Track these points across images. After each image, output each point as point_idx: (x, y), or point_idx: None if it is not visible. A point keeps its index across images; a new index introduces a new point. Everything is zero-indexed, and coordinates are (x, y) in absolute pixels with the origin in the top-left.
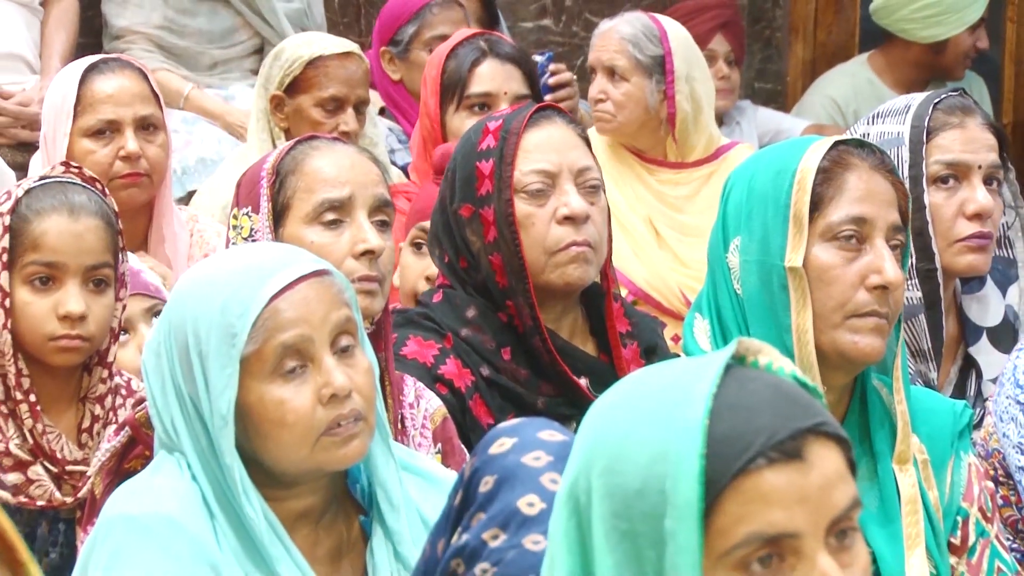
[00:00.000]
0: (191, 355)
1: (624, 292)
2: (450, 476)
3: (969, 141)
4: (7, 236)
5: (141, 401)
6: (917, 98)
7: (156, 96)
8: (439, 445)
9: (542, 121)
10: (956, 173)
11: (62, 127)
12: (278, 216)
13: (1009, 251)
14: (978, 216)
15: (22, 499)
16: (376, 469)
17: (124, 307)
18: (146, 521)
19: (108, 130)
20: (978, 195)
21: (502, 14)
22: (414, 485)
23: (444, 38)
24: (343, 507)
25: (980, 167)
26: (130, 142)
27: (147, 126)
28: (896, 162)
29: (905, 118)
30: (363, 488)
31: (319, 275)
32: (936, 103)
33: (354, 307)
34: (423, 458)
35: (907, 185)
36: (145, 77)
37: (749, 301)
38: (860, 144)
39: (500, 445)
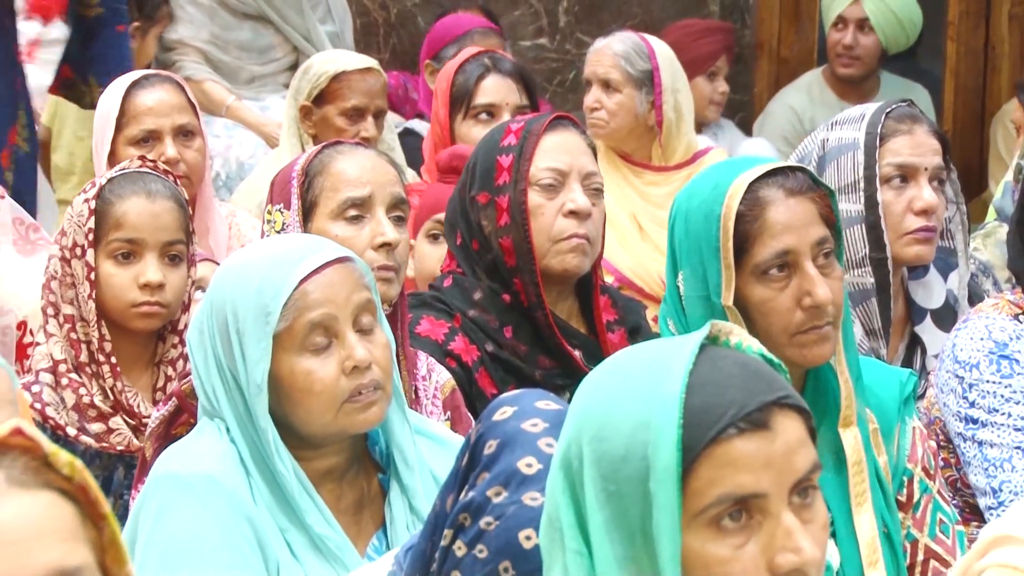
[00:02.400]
0: (230, 332)
1: (610, 279)
2: (458, 439)
3: (916, 146)
4: (93, 218)
5: (186, 375)
6: (871, 107)
7: (192, 105)
8: (448, 413)
9: (559, 127)
10: (905, 174)
11: (107, 136)
12: (307, 212)
13: (950, 241)
14: (924, 212)
15: (104, 445)
16: (393, 432)
17: (193, 282)
18: (190, 479)
19: (149, 138)
20: (924, 193)
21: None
22: (426, 447)
23: None
24: (364, 466)
25: (926, 169)
26: (169, 149)
27: (184, 133)
28: (852, 164)
29: (860, 126)
30: (381, 449)
31: (343, 261)
32: (888, 112)
33: (373, 290)
34: (434, 424)
35: (862, 185)
36: (182, 89)
37: (695, 327)
38: (775, 172)
39: (502, 413)
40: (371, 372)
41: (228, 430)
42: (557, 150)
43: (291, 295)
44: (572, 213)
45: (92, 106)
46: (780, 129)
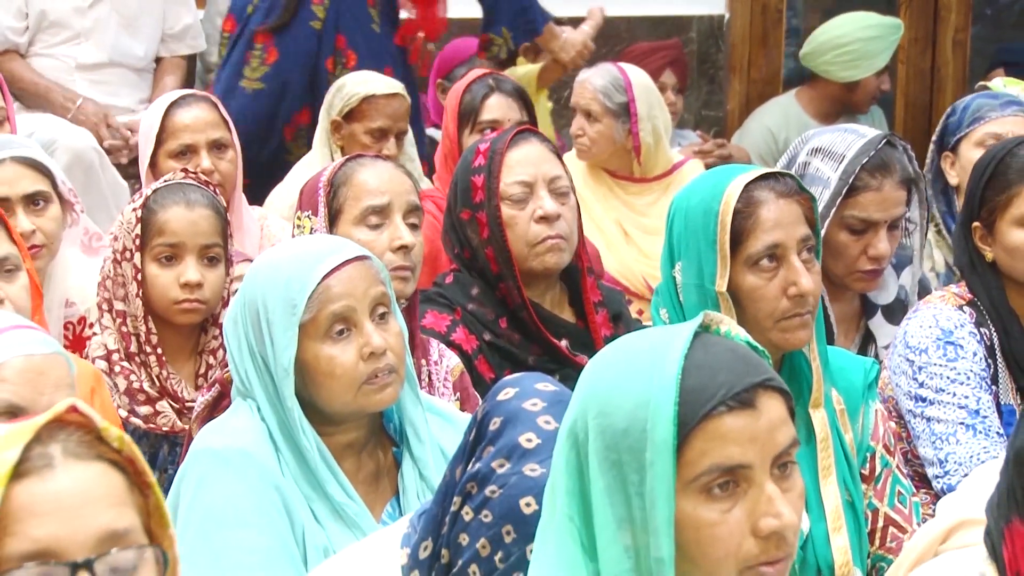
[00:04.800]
0: (261, 322)
1: None
2: (463, 417)
3: (881, 202)
4: (139, 225)
5: (227, 364)
6: (854, 146)
7: (225, 121)
8: (458, 393)
9: (520, 141)
10: (866, 226)
11: (148, 150)
12: (332, 218)
13: (908, 239)
14: (876, 259)
15: (151, 426)
16: (406, 410)
17: (232, 280)
18: (225, 453)
19: (187, 152)
20: (880, 244)
21: None
22: (436, 423)
23: None
24: (380, 440)
25: (886, 221)
26: (204, 161)
27: (218, 146)
28: (817, 197)
29: (838, 167)
30: (395, 425)
31: (361, 259)
32: (864, 163)
33: (388, 285)
34: (443, 403)
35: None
36: (216, 106)
37: (689, 312)
38: (767, 176)
39: (505, 394)
40: (386, 357)
41: (259, 409)
42: (521, 164)
43: (315, 289)
44: (542, 219)
45: (509, 55)
46: (756, 147)
